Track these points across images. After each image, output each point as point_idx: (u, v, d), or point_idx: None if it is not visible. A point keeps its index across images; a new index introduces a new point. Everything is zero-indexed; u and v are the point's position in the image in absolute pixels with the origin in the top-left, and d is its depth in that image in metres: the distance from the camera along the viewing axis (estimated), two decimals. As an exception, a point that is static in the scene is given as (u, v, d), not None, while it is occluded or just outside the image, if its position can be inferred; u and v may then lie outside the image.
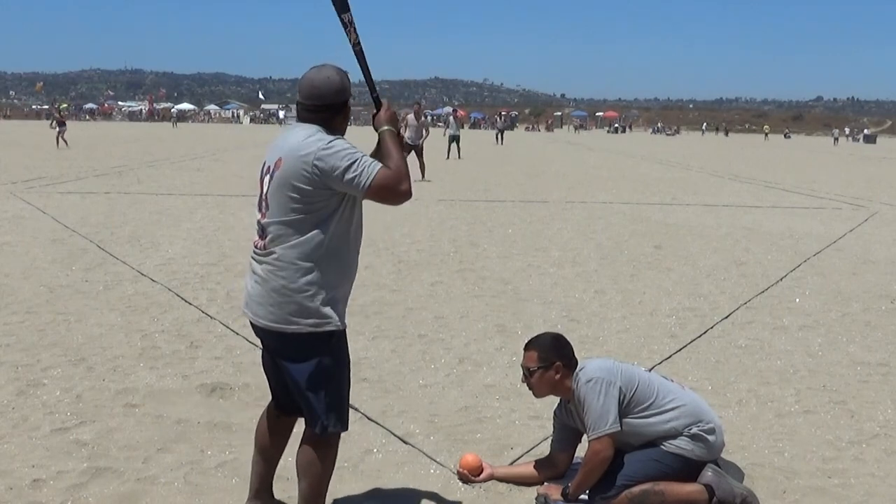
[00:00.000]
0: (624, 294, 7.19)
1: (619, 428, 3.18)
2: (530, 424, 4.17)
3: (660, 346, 5.61)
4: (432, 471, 3.64)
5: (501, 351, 5.42)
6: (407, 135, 17.81)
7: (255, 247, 2.83)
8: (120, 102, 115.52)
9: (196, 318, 6.06)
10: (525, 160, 28.27)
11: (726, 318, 6.44)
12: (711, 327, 6.15)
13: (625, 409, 3.23)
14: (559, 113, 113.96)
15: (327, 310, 2.72)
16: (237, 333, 5.64)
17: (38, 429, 3.94)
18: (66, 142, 28.73)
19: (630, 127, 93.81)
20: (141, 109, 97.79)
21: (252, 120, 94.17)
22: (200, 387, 4.58)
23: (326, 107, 2.73)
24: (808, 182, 21.43)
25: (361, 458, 3.72)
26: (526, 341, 3.46)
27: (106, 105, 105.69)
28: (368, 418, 4.19)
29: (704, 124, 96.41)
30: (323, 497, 2.95)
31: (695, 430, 3.24)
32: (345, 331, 2.84)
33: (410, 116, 18.91)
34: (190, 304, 6.45)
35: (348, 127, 2.91)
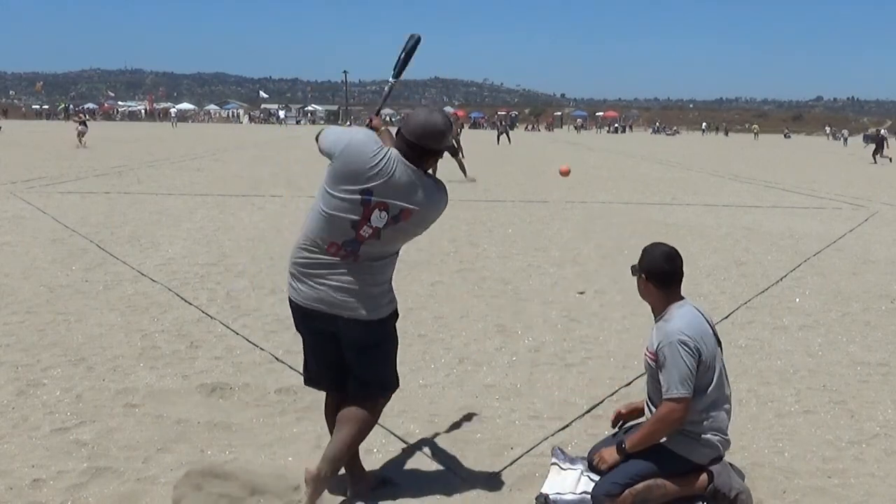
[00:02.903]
0: (624, 294, 7.18)
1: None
2: (530, 424, 4.17)
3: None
4: (432, 471, 3.64)
5: (501, 351, 5.42)
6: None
7: (331, 254, 3.09)
8: (120, 102, 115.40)
9: (196, 318, 6.06)
10: (525, 160, 28.27)
11: (726, 318, 6.44)
12: (711, 327, 6.14)
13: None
14: (559, 113, 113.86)
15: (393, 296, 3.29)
16: (237, 333, 5.65)
17: (38, 429, 3.94)
18: (82, 142, 29.14)
19: (630, 127, 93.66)
20: (141, 110, 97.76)
21: (252, 120, 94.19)
22: (200, 387, 4.58)
23: (430, 151, 3.10)
24: (808, 182, 21.43)
25: (362, 458, 3.71)
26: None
27: (106, 105, 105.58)
28: (368, 418, 4.19)
29: (704, 124, 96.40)
30: (352, 451, 3.28)
31: (710, 436, 3.23)
32: None
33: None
34: (190, 304, 6.45)
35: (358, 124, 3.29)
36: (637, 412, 3.56)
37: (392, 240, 3.11)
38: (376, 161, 3.00)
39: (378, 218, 3.03)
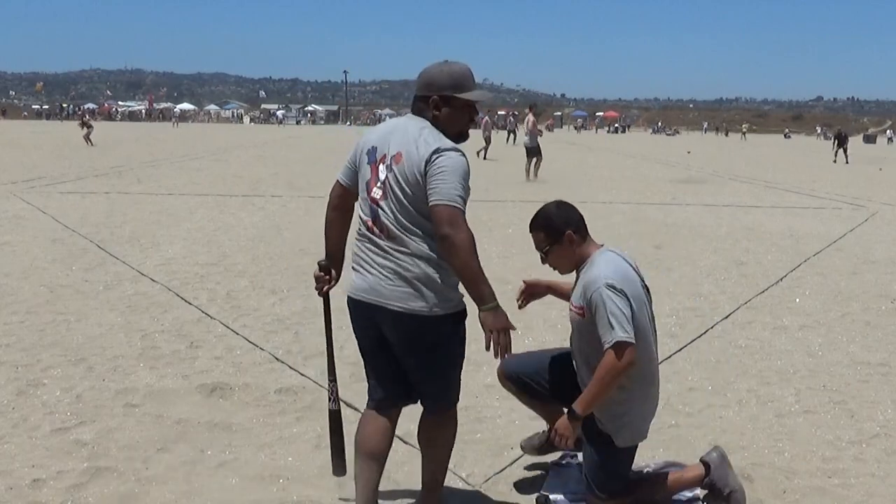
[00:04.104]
0: (624, 294, 7.18)
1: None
2: (530, 424, 4.16)
3: (660, 346, 5.57)
4: (432, 471, 3.63)
5: (501, 351, 5.41)
6: (528, 140, 19.33)
7: (370, 230, 2.88)
8: (120, 102, 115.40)
9: (196, 318, 6.06)
10: (525, 160, 28.22)
11: (726, 318, 6.44)
12: (711, 327, 6.15)
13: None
14: (559, 113, 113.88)
15: (452, 294, 2.92)
16: (237, 333, 5.65)
17: (38, 429, 3.94)
18: (90, 141, 30.14)
19: (627, 127, 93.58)
20: (141, 110, 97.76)
21: (252, 120, 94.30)
22: (200, 387, 4.58)
23: (428, 98, 2.86)
24: (809, 182, 21.43)
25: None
26: (530, 222, 3.21)
27: (106, 105, 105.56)
28: (368, 418, 4.19)
29: (706, 124, 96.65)
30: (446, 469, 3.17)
31: (637, 414, 3.12)
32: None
33: (531, 118, 19.35)
34: (190, 304, 6.45)
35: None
36: (543, 289, 3.54)
37: (398, 196, 2.79)
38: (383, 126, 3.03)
39: (382, 170, 2.86)
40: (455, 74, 2.86)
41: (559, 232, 3.11)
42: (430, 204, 2.73)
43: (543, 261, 3.22)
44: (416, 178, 2.75)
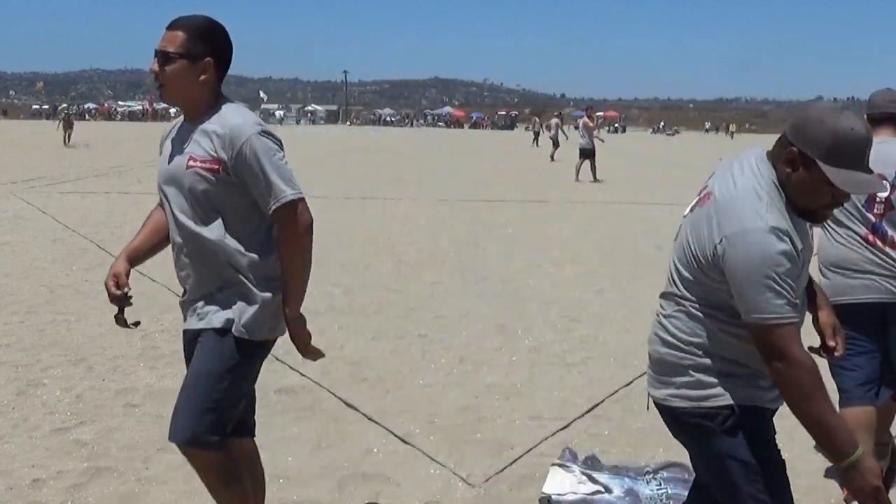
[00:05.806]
0: (624, 294, 7.18)
1: None
2: (530, 424, 4.17)
3: (660, 346, 5.60)
4: (432, 471, 3.63)
5: (501, 351, 5.42)
6: (584, 141, 19.22)
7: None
8: (120, 102, 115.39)
9: (196, 318, 6.05)
10: (526, 160, 28.27)
11: (726, 317, 6.43)
12: (711, 327, 6.13)
13: None
14: (559, 112, 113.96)
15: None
16: (237, 333, 5.64)
17: (38, 429, 3.94)
18: (68, 141, 29.96)
19: (624, 128, 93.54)
20: (140, 110, 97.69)
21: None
22: (200, 387, 4.57)
23: (790, 144, 2.03)
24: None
25: (362, 458, 3.72)
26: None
27: (106, 105, 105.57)
28: (368, 418, 4.20)
29: (707, 124, 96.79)
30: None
31: None
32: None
33: (585, 120, 19.50)
34: (190, 304, 6.45)
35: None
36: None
37: (681, 247, 2.20)
38: None
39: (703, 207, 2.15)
40: (839, 138, 1.95)
41: (200, 53, 2.47)
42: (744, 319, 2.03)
43: (158, 68, 2.47)
44: (702, 247, 2.07)
